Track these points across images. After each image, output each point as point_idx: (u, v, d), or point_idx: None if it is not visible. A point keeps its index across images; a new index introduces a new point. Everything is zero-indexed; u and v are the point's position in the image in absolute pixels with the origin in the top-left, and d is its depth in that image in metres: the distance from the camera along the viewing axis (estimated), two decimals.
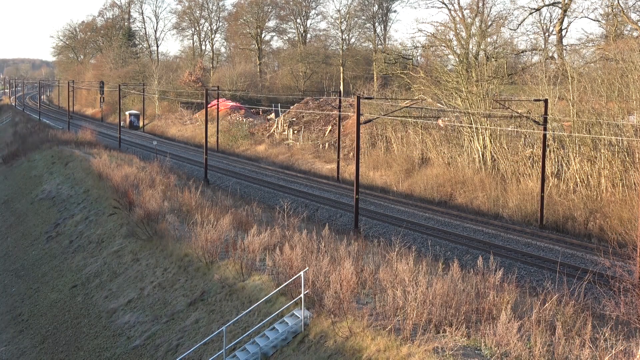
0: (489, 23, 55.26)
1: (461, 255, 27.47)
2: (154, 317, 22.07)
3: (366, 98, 38.00)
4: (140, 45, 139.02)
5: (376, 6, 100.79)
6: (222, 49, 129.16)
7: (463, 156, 44.76)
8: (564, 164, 38.29)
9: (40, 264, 33.02)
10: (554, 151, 38.72)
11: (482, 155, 43.57)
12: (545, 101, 35.42)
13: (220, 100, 77.69)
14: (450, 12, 58.30)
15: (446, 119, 48.08)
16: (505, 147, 41.96)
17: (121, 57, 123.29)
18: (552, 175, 38.09)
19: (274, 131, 68.15)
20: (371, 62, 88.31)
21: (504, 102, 41.41)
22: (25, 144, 63.70)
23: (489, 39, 53.61)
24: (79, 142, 57.15)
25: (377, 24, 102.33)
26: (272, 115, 76.31)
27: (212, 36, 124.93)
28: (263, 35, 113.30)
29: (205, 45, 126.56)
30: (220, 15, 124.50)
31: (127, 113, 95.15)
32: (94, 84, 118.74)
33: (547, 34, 65.18)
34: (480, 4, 55.17)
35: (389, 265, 18.00)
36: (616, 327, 14.32)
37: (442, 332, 14.27)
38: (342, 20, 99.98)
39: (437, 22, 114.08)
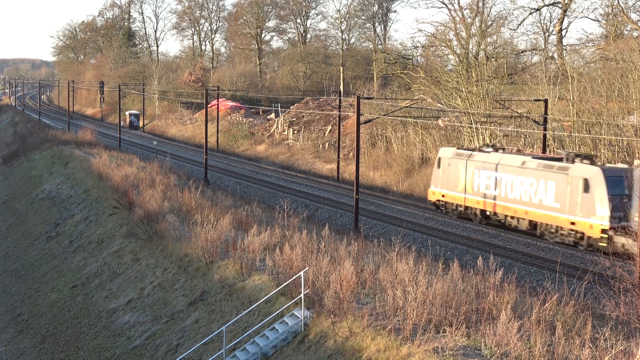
0: (489, 23, 55.27)
1: (461, 255, 27.47)
2: (154, 317, 22.07)
3: (366, 98, 37.99)
4: (140, 45, 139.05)
5: (376, 6, 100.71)
6: (222, 49, 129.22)
7: None
8: None
9: (40, 264, 33.03)
10: (554, 151, 38.71)
11: None
12: (545, 101, 35.44)
13: (220, 100, 77.68)
14: (450, 12, 58.31)
15: (446, 119, 48.08)
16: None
17: (121, 57, 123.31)
18: None
19: (274, 131, 68.16)
20: (371, 62, 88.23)
21: (504, 102, 41.42)
22: (25, 144, 63.70)
23: (489, 39, 53.64)
24: (79, 142, 57.15)
25: (377, 24, 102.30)
26: (272, 115, 76.29)
27: (212, 36, 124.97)
28: (263, 35, 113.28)
29: (205, 45, 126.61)
30: (220, 15, 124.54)
31: (127, 113, 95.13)
32: (94, 84, 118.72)
33: (547, 34, 65.22)
34: (480, 4, 55.19)
35: (389, 265, 18.00)
36: (616, 327, 14.32)
37: (442, 332, 14.27)
38: (342, 20, 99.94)
39: (437, 22, 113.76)
